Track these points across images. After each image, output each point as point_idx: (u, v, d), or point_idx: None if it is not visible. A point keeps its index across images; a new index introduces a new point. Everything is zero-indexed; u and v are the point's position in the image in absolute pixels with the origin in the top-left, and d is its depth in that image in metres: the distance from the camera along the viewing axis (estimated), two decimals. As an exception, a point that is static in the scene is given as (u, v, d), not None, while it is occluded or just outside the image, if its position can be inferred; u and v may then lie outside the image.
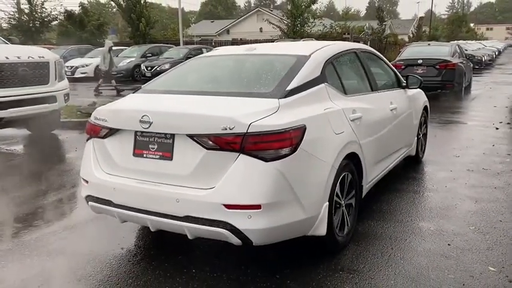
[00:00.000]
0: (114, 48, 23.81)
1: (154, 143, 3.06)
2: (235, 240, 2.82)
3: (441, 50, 12.86)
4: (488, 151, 6.58)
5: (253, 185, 2.78)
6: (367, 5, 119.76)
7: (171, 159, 2.99)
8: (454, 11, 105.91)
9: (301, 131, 2.93)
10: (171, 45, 23.24)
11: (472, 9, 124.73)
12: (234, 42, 30.87)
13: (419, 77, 5.24)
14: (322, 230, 3.14)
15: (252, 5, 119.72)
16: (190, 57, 19.69)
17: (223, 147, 2.80)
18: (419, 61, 12.08)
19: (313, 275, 3.16)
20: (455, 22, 59.23)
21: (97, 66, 20.99)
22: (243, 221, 2.77)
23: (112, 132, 3.22)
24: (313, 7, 24.52)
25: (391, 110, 4.51)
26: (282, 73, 3.41)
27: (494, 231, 3.81)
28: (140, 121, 3.00)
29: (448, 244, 3.58)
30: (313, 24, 23.07)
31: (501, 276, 3.09)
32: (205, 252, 3.57)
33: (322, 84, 3.49)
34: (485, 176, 5.35)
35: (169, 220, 2.96)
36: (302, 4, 22.55)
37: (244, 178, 2.78)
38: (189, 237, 2.98)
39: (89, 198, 3.38)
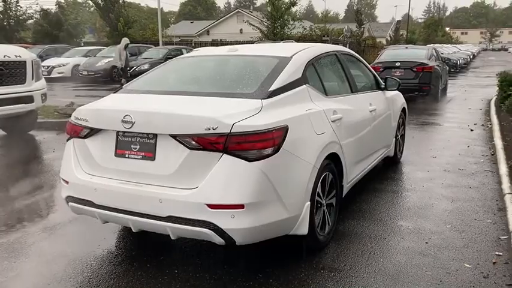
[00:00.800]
0: (92, 48, 23.52)
1: (136, 143, 3.05)
2: (218, 240, 2.84)
3: (418, 53, 13.12)
4: (464, 152, 6.75)
5: (236, 185, 2.80)
6: (346, 8, 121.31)
7: (154, 159, 2.99)
8: (430, 15, 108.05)
9: (283, 131, 2.96)
10: (150, 46, 23.06)
11: (447, 13, 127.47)
12: (214, 43, 30.85)
13: (398, 79, 5.35)
14: (303, 229, 3.18)
15: (232, 6, 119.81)
16: (170, 58, 19.67)
17: (206, 147, 2.81)
18: (397, 64, 12.29)
19: (295, 273, 3.20)
20: (431, 26, 60.44)
21: (76, 65, 20.73)
22: (226, 221, 2.78)
23: (93, 132, 3.20)
24: (293, 9, 24.75)
25: (371, 111, 4.59)
26: (264, 74, 3.44)
27: (470, 229, 3.92)
28: (122, 121, 2.99)
29: (426, 242, 3.67)
30: (293, 26, 23.24)
31: (476, 272, 3.19)
32: (188, 252, 3.57)
33: (304, 86, 3.53)
34: (460, 176, 5.49)
35: (151, 220, 2.95)
36: (282, 6, 22.68)
37: (227, 178, 2.80)
38: (172, 237, 2.98)
39: (69, 198, 3.35)
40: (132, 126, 2.97)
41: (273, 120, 2.94)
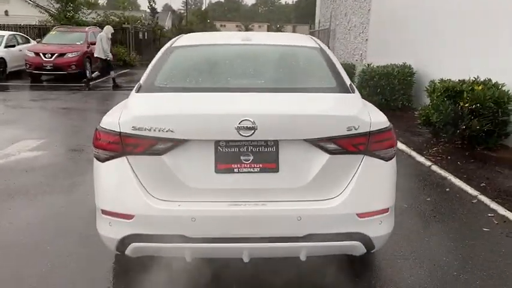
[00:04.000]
0: None
1: (248, 154, 2.44)
2: (361, 251, 2.56)
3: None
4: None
5: (382, 188, 2.58)
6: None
7: (277, 171, 2.45)
8: (189, 7, 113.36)
9: None
10: None
11: (204, 7, 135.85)
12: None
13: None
14: None
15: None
16: None
17: (349, 150, 2.47)
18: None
19: (391, 270, 3.16)
20: (199, 17, 63.80)
21: None
22: (375, 229, 2.54)
23: (176, 145, 2.41)
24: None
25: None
26: (321, 66, 3.16)
27: (445, 195, 4.55)
28: (238, 128, 2.34)
29: (434, 216, 4.09)
30: (90, 12, 21.05)
31: (498, 232, 3.77)
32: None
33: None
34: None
35: (282, 244, 2.44)
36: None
37: (373, 181, 2.54)
38: (302, 258, 2.53)
39: (132, 239, 2.44)
40: (253, 133, 2.36)
41: (383, 116, 2.78)
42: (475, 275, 3.11)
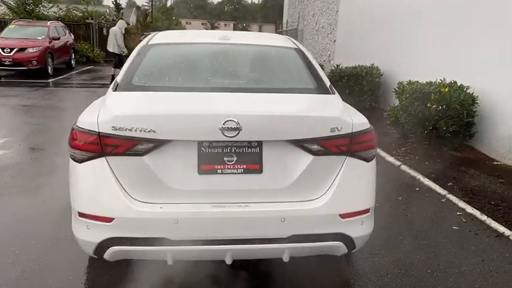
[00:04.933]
0: None
1: (231, 155, 2.41)
2: (343, 251, 2.58)
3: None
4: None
5: (363, 189, 2.61)
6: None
7: (261, 172, 2.44)
8: (154, 3, 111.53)
9: None
10: None
11: (169, 3, 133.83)
12: None
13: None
14: None
15: None
16: None
17: (332, 151, 2.49)
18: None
19: (368, 269, 3.20)
20: (164, 14, 62.90)
21: None
22: (356, 229, 2.56)
23: (158, 145, 2.34)
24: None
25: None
26: (303, 67, 3.16)
27: (417, 194, 4.67)
28: (222, 128, 2.31)
29: (406, 216, 4.19)
30: (51, 5, 20.28)
31: (466, 230, 3.89)
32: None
33: (327, 80, 3.45)
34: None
35: (266, 245, 2.43)
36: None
37: (355, 182, 2.56)
38: (285, 259, 2.52)
39: (111, 242, 2.37)
40: (238, 133, 2.33)
41: (364, 117, 2.81)
42: (448, 273, 3.20)
